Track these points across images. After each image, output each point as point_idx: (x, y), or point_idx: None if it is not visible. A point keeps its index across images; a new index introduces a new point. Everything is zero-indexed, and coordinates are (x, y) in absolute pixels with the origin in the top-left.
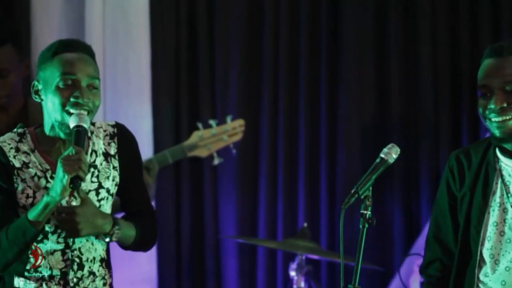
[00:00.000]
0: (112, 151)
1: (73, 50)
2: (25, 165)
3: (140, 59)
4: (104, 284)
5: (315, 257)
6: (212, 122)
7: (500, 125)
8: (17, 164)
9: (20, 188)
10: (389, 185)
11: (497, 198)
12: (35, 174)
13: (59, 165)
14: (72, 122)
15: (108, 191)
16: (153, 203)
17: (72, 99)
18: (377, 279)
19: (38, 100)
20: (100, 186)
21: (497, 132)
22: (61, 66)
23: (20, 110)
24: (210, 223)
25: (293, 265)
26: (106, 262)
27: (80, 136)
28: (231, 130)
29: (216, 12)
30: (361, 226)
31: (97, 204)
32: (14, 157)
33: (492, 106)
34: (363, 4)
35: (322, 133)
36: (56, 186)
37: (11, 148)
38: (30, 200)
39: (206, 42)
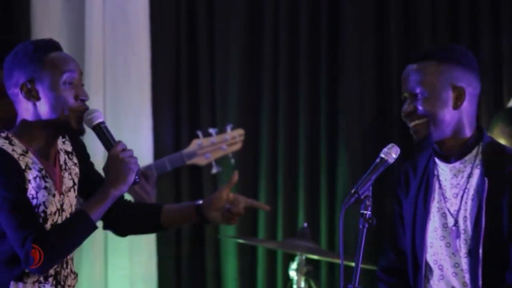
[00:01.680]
0: (69, 148)
1: (60, 49)
2: (27, 166)
3: (140, 59)
4: (77, 282)
5: (315, 257)
6: (211, 130)
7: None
8: (23, 166)
9: (28, 189)
10: (389, 185)
11: (436, 203)
12: (36, 174)
13: (124, 160)
14: (96, 119)
15: (77, 187)
16: None
17: (81, 97)
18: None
19: (31, 100)
20: (74, 182)
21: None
22: (60, 65)
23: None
24: None
25: (293, 265)
26: (73, 260)
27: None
28: (231, 139)
29: (216, 12)
30: (361, 226)
31: (74, 201)
32: (18, 158)
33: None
34: (363, 4)
35: (322, 133)
36: (125, 180)
37: (12, 150)
38: (34, 201)
39: (206, 42)
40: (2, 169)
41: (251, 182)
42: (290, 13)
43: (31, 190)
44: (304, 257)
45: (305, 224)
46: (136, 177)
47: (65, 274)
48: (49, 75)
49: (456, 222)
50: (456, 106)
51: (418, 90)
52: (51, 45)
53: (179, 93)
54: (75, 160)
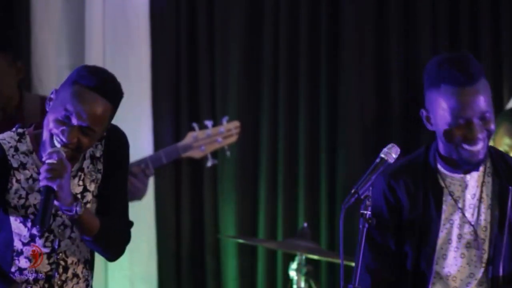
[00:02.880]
0: (98, 153)
1: (90, 87)
2: (22, 165)
3: (140, 59)
4: (87, 286)
5: (315, 257)
6: (207, 123)
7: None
8: (15, 164)
9: (13, 188)
10: None
11: (448, 215)
12: (31, 176)
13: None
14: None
15: (93, 194)
16: (144, 200)
17: (60, 137)
18: None
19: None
20: (85, 189)
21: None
22: (65, 100)
23: (16, 106)
24: (210, 223)
25: (293, 265)
26: (90, 263)
27: None
28: (226, 132)
29: (216, 12)
30: (361, 226)
31: (82, 207)
32: (13, 156)
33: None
34: (363, 4)
35: (322, 133)
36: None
37: (11, 147)
38: (22, 201)
39: (206, 42)
40: None
41: (251, 182)
42: (290, 13)
43: (19, 190)
44: (304, 257)
45: (305, 224)
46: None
47: (63, 278)
48: (55, 101)
49: (475, 232)
50: None
51: (488, 113)
52: (85, 79)
53: (179, 93)
54: (100, 167)
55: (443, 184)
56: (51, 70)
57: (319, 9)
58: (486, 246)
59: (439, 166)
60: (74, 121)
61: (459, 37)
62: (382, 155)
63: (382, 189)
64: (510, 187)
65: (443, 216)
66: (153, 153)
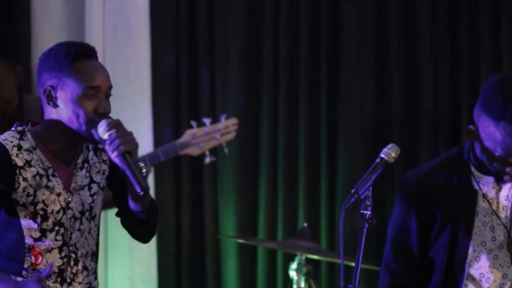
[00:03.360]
0: (101, 144)
1: (93, 57)
2: (27, 163)
3: (140, 59)
4: (95, 279)
5: (315, 257)
6: (205, 120)
7: None
8: (20, 163)
9: (21, 187)
10: (389, 185)
11: (482, 217)
12: (37, 172)
13: None
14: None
15: (99, 185)
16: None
17: (100, 111)
18: (377, 279)
19: (51, 105)
20: (92, 181)
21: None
22: (85, 76)
23: (15, 107)
24: (210, 223)
25: (293, 265)
26: (96, 256)
27: None
28: (224, 129)
29: (216, 12)
30: (361, 226)
31: (90, 199)
32: (17, 155)
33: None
34: (363, 3)
35: (322, 133)
36: None
37: (14, 146)
38: (31, 198)
39: (206, 42)
40: None
41: (251, 182)
42: (290, 13)
43: (27, 188)
44: (304, 257)
45: (305, 224)
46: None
47: (74, 271)
48: (71, 86)
49: (508, 234)
50: None
51: None
52: (84, 52)
53: (179, 93)
54: (104, 157)
55: (476, 186)
56: None
57: (319, 9)
58: None
59: (472, 168)
60: (103, 90)
61: (459, 37)
62: (382, 155)
63: (411, 191)
64: None
65: (477, 218)
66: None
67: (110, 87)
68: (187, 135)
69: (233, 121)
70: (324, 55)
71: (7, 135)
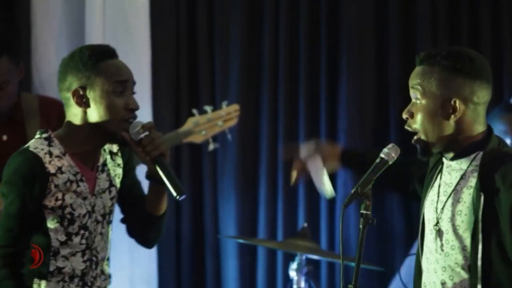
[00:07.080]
0: (115, 148)
1: (115, 56)
2: (59, 170)
3: (140, 59)
4: (109, 284)
5: (315, 257)
6: (207, 108)
7: None
8: (52, 170)
9: (51, 193)
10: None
11: (432, 196)
12: (68, 179)
13: None
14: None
15: (116, 189)
16: None
17: (130, 106)
18: (377, 279)
19: (82, 107)
20: (111, 184)
21: None
22: (113, 74)
23: (15, 106)
24: (210, 223)
25: (293, 265)
26: (108, 261)
27: None
28: (226, 115)
29: (216, 12)
30: (361, 226)
31: (110, 202)
32: (49, 162)
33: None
34: (363, 3)
35: (322, 133)
36: None
37: (45, 153)
38: (59, 202)
39: (206, 42)
40: (21, 175)
41: (251, 182)
42: (290, 13)
43: (57, 193)
44: (304, 257)
45: (305, 224)
46: None
47: (94, 275)
48: (101, 83)
49: (437, 222)
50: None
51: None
52: (107, 52)
53: (179, 93)
54: (119, 161)
55: (439, 167)
56: (51, 70)
57: (319, 9)
58: (448, 238)
59: None
60: (130, 84)
61: (459, 36)
62: (382, 155)
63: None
64: (482, 193)
65: (427, 198)
66: None
67: (135, 83)
68: (189, 123)
69: (235, 107)
70: (324, 55)
71: (35, 143)
